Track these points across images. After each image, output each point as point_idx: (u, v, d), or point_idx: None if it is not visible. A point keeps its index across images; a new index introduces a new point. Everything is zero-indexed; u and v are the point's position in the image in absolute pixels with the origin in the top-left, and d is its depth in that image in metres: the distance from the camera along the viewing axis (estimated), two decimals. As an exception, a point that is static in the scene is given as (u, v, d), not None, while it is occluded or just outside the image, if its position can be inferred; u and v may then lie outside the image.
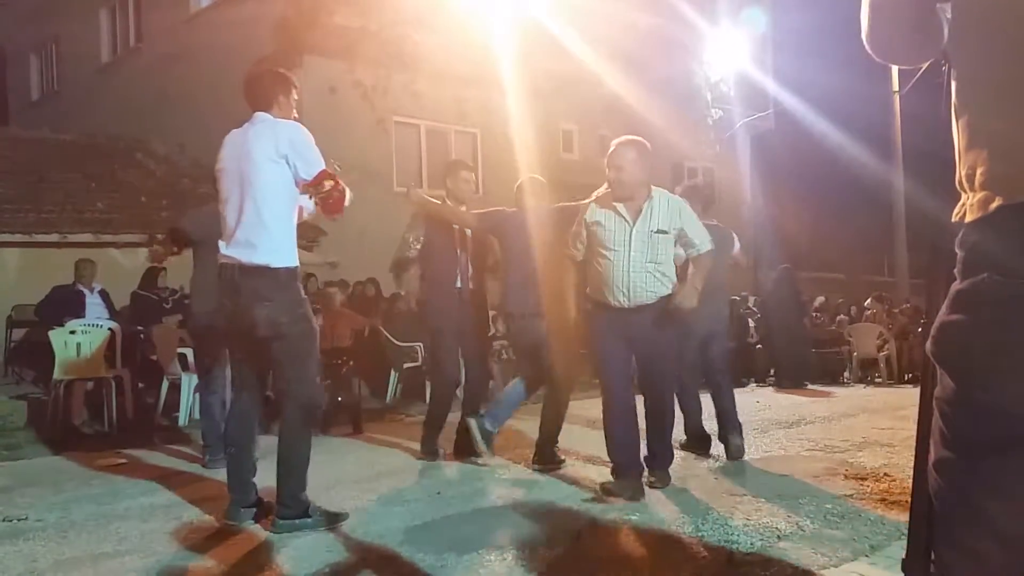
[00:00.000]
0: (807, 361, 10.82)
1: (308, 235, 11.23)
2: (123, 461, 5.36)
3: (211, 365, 5.01)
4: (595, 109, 13.83)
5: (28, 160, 11.67)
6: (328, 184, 3.40)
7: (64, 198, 10.66)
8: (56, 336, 6.47)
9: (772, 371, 11.36)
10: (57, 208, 10.30)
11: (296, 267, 3.52)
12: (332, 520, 3.54)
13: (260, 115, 3.57)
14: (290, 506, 3.45)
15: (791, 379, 10.24)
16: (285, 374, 3.51)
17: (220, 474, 4.80)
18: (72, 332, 6.63)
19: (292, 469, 3.48)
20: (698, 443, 5.30)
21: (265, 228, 3.42)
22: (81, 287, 7.61)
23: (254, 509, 3.61)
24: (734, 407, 5.33)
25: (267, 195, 3.42)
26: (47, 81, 18.28)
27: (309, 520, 3.47)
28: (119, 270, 9.44)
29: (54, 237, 9.73)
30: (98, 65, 15.95)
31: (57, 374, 6.32)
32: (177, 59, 12.97)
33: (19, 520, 3.83)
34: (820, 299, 13.57)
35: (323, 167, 3.44)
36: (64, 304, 7.39)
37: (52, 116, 15.91)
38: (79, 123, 14.52)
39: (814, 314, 12.73)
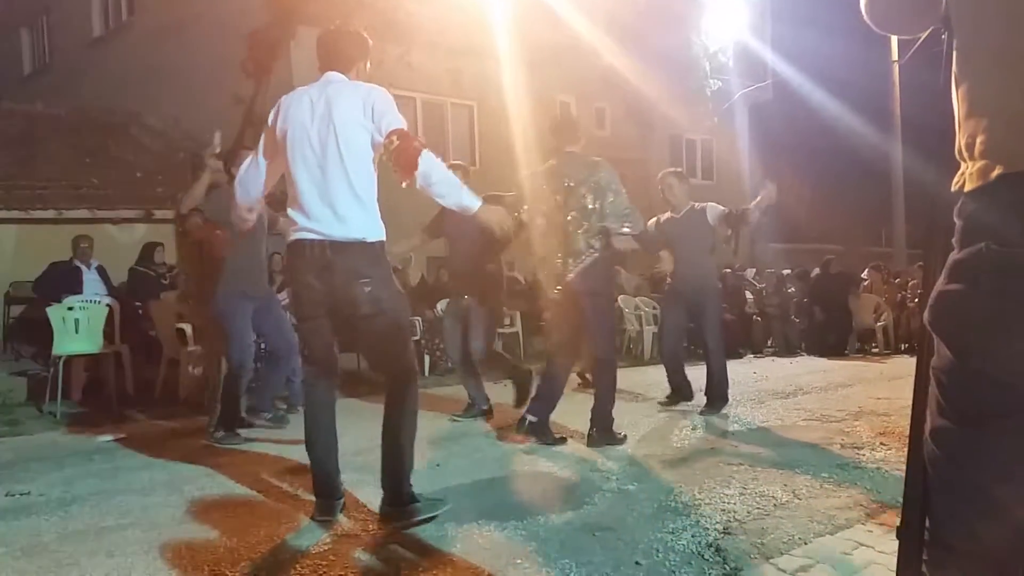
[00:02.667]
0: (846, 335, 11.59)
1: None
2: (123, 436, 5.39)
3: (241, 344, 5.08)
4: (592, 80, 13.73)
5: (21, 135, 11.58)
6: (396, 141, 3.06)
7: (59, 173, 10.60)
8: (54, 313, 6.47)
9: (769, 342, 11.46)
10: (52, 184, 10.25)
11: (385, 240, 3.25)
12: (436, 507, 3.23)
13: (334, 75, 3.26)
14: (398, 493, 3.17)
15: (833, 349, 11.11)
16: (387, 352, 3.27)
17: (217, 448, 4.85)
18: (70, 308, 6.63)
19: (399, 454, 3.19)
20: (676, 394, 6.05)
21: (358, 199, 3.12)
22: (78, 263, 7.60)
23: (342, 501, 3.35)
24: (723, 369, 5.86)
25: (357, 163, 3.11)
26: (39, 55, 18.10)
27: (418, 504, 3.18)
28: (116, 246, 9.43)
29: (50, 213, 9.70)
30: (90, 38, 15.77)
31: (56, 350, 6.33)
32: (170, 31, 12.82)
33: (22, 495, 3.85)
34: (787, 271, 13.59)
35: (400, 126, 3.11)
36: (62, 280, 7.38)
37: (44, 90, 15.76)
38: (72, 97, 14.38)
39: (787, 287, 12.79)
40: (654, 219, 5.97)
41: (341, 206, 3.11)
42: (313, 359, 3.37)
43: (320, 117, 3.13)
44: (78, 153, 11.46)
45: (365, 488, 3.78)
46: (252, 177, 3.40)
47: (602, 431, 4.65)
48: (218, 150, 5.18)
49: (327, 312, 3.23)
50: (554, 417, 5.41)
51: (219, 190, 5.21)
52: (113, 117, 13.10)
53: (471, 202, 3.26)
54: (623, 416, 5.54)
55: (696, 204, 5.94)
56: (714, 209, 5.89)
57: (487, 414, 5.58)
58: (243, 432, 5.13)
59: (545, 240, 4.67)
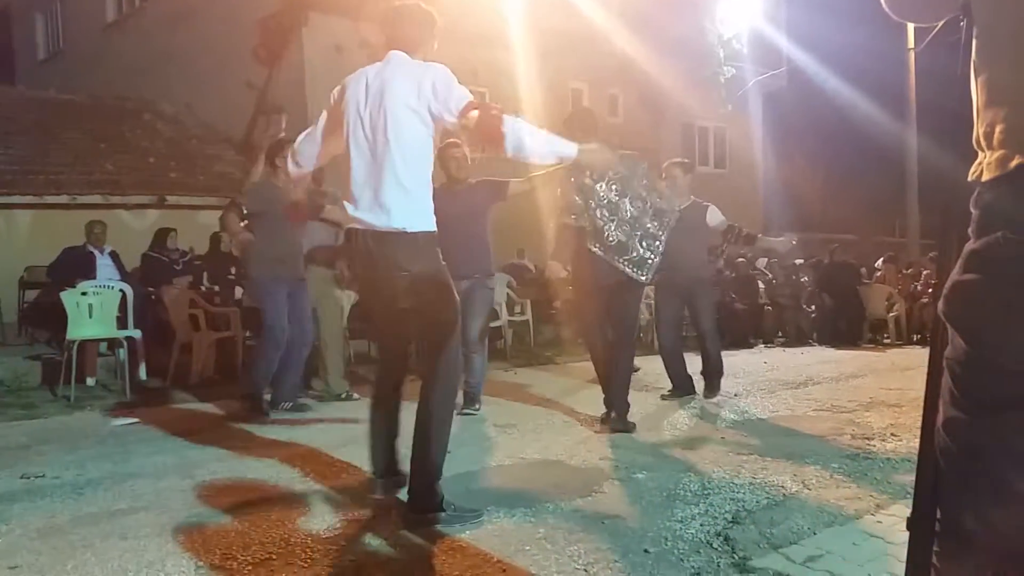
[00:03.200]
0: (860, 324, 11.67)
1: (315, 196, 11.23)
2: (136, 420, 5.43)
3: (274, 326, 5.34)
4: (605, 67, 13.65)
5: (35, 121, 11.65)
6: (474, 114, 2.90)
7: (73, 159, 10.66)
8: (68, 297, 6.52)
9: (779, 332, 11.44)
10: (66, 169, 10.31)
11: (435, 231, 3.09)
12: (467, 517, 3.04)
13: (397, 55, 3.10)
14: (425, 497, 3.00)
15: (842, 340, 11.11)
16: (428, 345, 3.15)
17: (229, 433, 4.89)
18: (84, 293, 6.67)
19: (429, 453, 3.01)
20: (678, 388, 6.02)
21: (402, 189, 2.97)
22: (92, 248, 7.64)
23: (400, 477, 3.26)
24: (718, 354, 6.01)
25: (405, 150, 2.97)
26: (52, 40, 18.16)
27: (443, 514, 2.99)
28: (129, 231, 9.48)
29: (63, 198, 9.76)
30: (103, 24, 15.81)
31: (70, 335, 6.38)
32: (182, 17, 12.84)
33: (36, 478, 3.90)
34: (799, 260, 13.55)
35: (469, 99, 2.96)
36: (75, 265, 7.43)
37: (58, 76, 15.82)
38: (85, 83, 14.44)
39: (799, 276, 12.77)
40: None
41: (384, 194, 2.98)
42: (380, 346, 3.43)
43: (373, 100, 3.00)
44: (92, 139, 11.51)
45: (375, 474, 3.81)
46: (306, 149, 3.39)
47: (620, 415, 4.72)
48: (282, 134, 5.36)
49: (375, 304, 3.27)
50: (564, 403, 5.43)
51: (259, 184, 5.43)
52: (127, 103, 13.16)
53: (569, 150, 3.08)
54: (632, 405, 5.54)
55: (699, 200, 5.97)
56: (715, 214, 5.97)
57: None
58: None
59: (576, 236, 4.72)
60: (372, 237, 3.01)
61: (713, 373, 5.96)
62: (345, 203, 3.10)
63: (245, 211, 5.47)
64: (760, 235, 6.00)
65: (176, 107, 13.21)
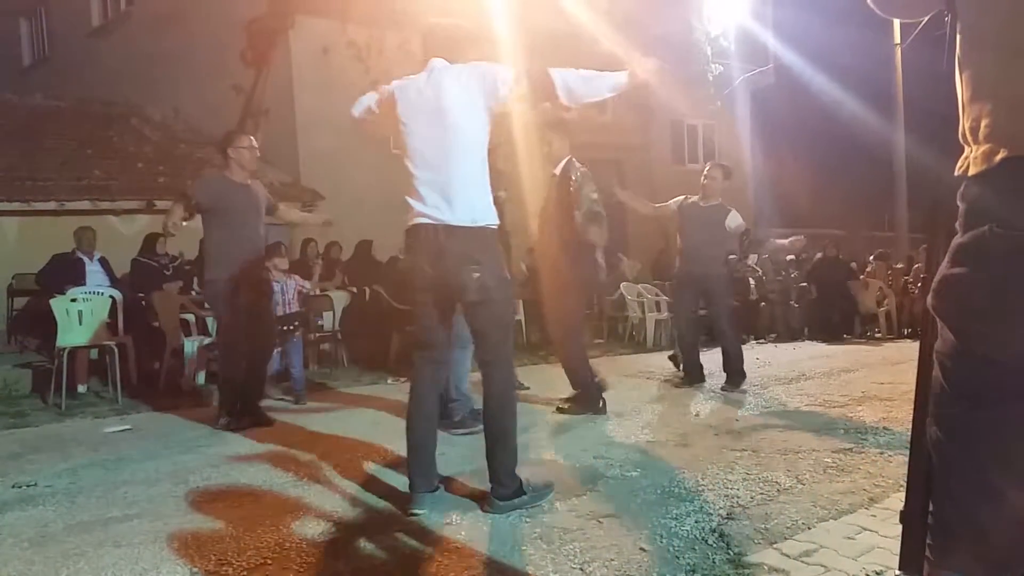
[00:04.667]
0: (851, 318, 11.78)
1: (304, 198, 11.21)
2: (128, 427, 5.41)
3: (231, 330, 5.08)
4: (593, 65, 13.62)
5: (22, 127, 11.56)
6: (523, 81, 3.13)
7: (60, 165, 10.59)
8: (58, 304, 6.48)
9: (771, 329, 11.49)
10: (54, 175, 10.24)
11: (498, 225, 3.25)
12: (545, 493, 3.27)
13: (439, 62, 3.27)
14: (506, 484, 3.15)
15: (834, 334, 11.22)
16: (491, 339, 3.24)
17: (222, 438, 4.87)
18: (73, 300, 6.64)
19: (505, 442, 3.18)
20: (690, 376, 6.30)
21: (469, 185, 3.16)
22: (81, 255, 7.60)
23: (438, 491, 3.31)
24: (739, 350, 6.22)
25: (469, 149, 3.17)
26: (38, 46, 18.06)
27: (526, 497, 3.17)
28: (118, 237, 9.43)
29: (52, 205, 9.69)
30: (89, 29, 15.73)
31: (60, 342, 6.35)
32: (168, 21, 12.78)
33: (28, 486, 3.87)
34: (790, 256, 13.58)
35: (512, 72, 3.15)
36: (65, 272, 7.39)
37: (44, 81, 15.73)
38: (72, 88, 14.36)
39: (789, 272, 12.84)
40: (681, 197, 6.37)
41: (453, 191, 3.14)
42: (421, 342, 3.36)
43: (430, 106, 3.18)
44: (79, 145, 11.44)
45: (369, 477, 3.81)
46: (359, 105, 3.55)
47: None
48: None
49: (436, 296, 3.25)
50: (557, 403, 5.44)
51: (209, 176, 5.27)
52: (114, 108, 13.08)
53: (619, 80, 3.26)
54: (626, 403, 5.56)
55: (724, 203, 6.25)
56: (735, 218, 6.20)
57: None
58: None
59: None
60: (444, 231, 3.13)
61: (734, 370, 6.14)
62: (410, 201, 3.22)
63: (194, 203, 5.20)
64: (770, 239, 6.20)
65: (163, 112, 13.14)
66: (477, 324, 3.26)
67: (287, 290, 6.20)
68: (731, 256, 6.34)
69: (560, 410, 5.25)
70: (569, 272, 5.10)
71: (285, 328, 6.11)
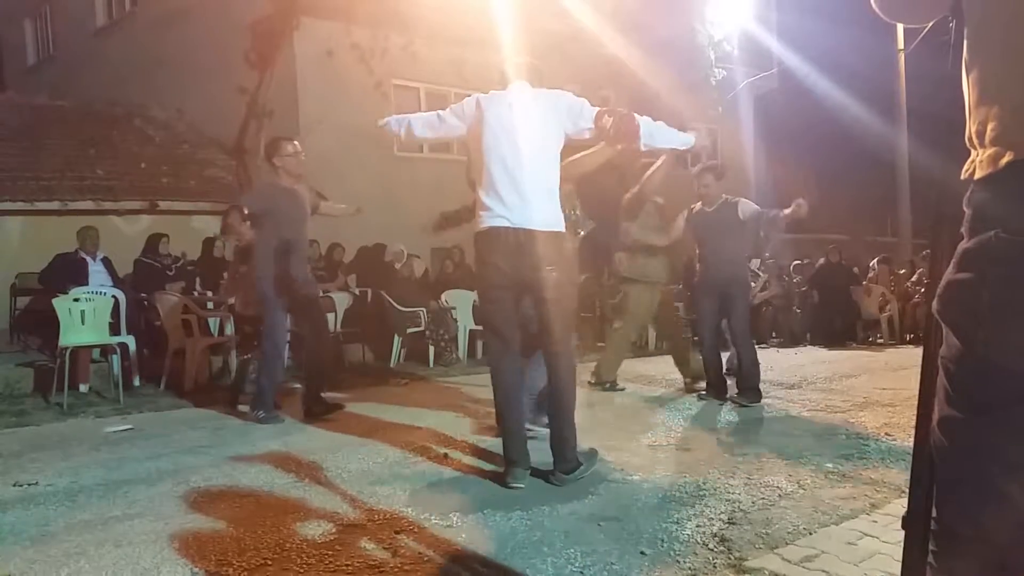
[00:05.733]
0: (853, 323, 11.77)
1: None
2: (130, 427, 5.41)
3: (277, 329, 5.41)
4: (596, 69, 13.65)
5: (26, 126, 11.59)
6: (607, 120, 3.51)
7: (64, 165, 10.62)
8: (60, 304, 6.49)
9: (773, 333, 11.48)
10: (57, 175, 10.26)
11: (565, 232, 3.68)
12: (594, 459, 3.74)
13: (523, 84, 3.69)
14: (570, 459, 3.56)
15: (836, 339, 11.19)
16: (557, 331, 3.60)
17: (223, 439, 4.87)
18: (76, 300, 6.64)
19: (568, 423, 3.60)
20: (719, 387, 6.01)
21: (551, 195, 3.55)
22: (84, 255, 7.61)
23: (529, 471, 3.65)
24: (752, 360, 5.88)
25: (550, 164, 3.56)
26: (42, 46, 18.09)
27: (583, 467, 3.60)
28: (121, 237, 9.45)
29: (55, 205, 9.72)
30: (93, 29, 15.76)
31: (62, 341, 6.35)
32: (172, 21, 12.81)
33: (30, 485, 3.88)
34: (796, 261, 13.57)
35: (596, 109, 3.57)
36: (67, 272, 7.40)
37: (49, 81, 15.77)
38: (76, 88, 14.39)
39: (792, 277, 12.83)
40: (686, 211, 6.14)
41: (535, 199, 3.49)
42: (499, 336, 3.67)
43: (519, 120, 3.55)
44: (83, 145, 11.47)
45: (370, 478, 3.81)
46: (418, 130, 3.86)
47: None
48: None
49: (512, 293, 3.60)
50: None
51: (259, 186, 5.41)
52: (117, 108, 13.11)
53: (688, 139, 3.85)
54: (627, 406, 5.55)
55: (729, 197, 6.01)
56: (747, 205, 5.94)
57: None
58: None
59: None
60: (524, 234, 3.48)
61: (748, 386, 5.76)
62: (488, 203, 3.54)
63: (247, 211, 5.38)
64: (780, 213, 5.93)
65: (167, 112, 13.16)
66: (547, 318, 3.58)
67: None
68: (757, 248, 6.26)
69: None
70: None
71: (261, 329, 5.95)
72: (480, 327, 7.90)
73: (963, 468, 1.19)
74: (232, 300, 6.32)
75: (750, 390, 5.74)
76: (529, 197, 3.49)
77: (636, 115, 3.56)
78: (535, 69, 3.79)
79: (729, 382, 6.02)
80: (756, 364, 5.84)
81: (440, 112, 3.81)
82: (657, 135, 3.66)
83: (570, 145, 3.75)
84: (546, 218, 3.52)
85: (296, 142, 5.52)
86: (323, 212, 5.80)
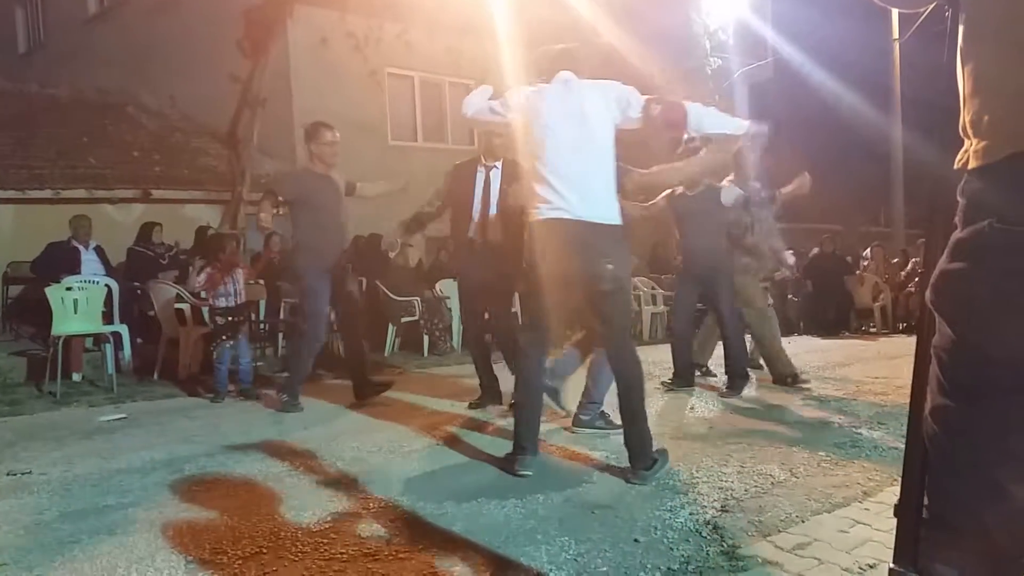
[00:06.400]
0: (847, 313, 11.79)
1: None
2: (123, 416, 5.40)
3: (316, 316, 5.38)
4: (592, 58, 13.63)
5: (17, 115, 11.52)
6: (655, 108, 3.47)
7: (55, 154, 10.56)
8: (53, 293, 6.47)
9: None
10: (49, 164, 10.21)
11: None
12: (666, 458, 3.64)
13: (568, 74, 3.62)
14: (649, 456, 3.51)
15: (829, 328, 11.21)
16: (616, 326, 3.58)
17: (216, 427, 4.86)
18: (69, 289, 6.62)
19: (643, 419, 3.55)
20: (680, 378, 5.95)
21: (608, 187, 3.51)
22: (76, 243, 7.58)
23: (538, 455, 3.69)
24: (741, 349, 5.88)
25: (606, 155, 3.51)
26: (33, 33, 17.96)
27: (658, 463, 3.53)
28: (114, 226, 9.41)
29: (47, 193, 9.66)
30: (85, 16, 15.64)
31: (55, 330, 6.33)
32: (165, 10, 12.71)
33: (23, 474, 3.87)
34: (789, 251, 13.57)
35: (646, 97, 3.51)
36: (60, 261, 7.37)
37: (40, 69, 15.65)
38: (67, 76, 14.28)
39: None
40: (667, 192, 5.84)
41: (593, 191, 3.47)
42: (536, 327, 3.67)
43: (573, 112, 3.50)
44: (75, 133, 11.40)
45: (365, 467, 3.81)
46: (480, 112, 3.81)
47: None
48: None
49: (564, 285, 3.50)
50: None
51: (294, 171, 5.38)
52: (109, 97, 13.03)
53: (742, 124, 3.62)
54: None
55: (711, 183, 5.75)
56: (730, 192, 5.72)
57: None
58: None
59: None
60: (585, 227, 3.43)
61: (736, 373, 5.73)
62: (546, 195, 3.48)
63: (280, 199, 5.36)
64: (778, 192, 5.83)
65: (159, 100, 13.09)
66: (605, 312, 3.56)
67: (236, 280, 6.04)
68: (740, 231, 6.03)
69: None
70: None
71: (233, 320, 5.97)
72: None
73: (955, 456, 1.20)
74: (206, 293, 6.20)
75: (738, 376, 5.73)
76: (586, 189, 3.46)
77: (688, 104, 3.50)
78: (571, 55, 3.71)
79: (753, 375, 6.05)
80: (744, 354, 5.89)
81: (491, 103, 3.79)
82: (707, 122, 3.57)
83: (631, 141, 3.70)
84: (604, 210, 3.48)
85: (335, 132, 5.47)
86: (360, 194, 5.73)
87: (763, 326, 6.24)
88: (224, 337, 5.90)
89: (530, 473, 3.54)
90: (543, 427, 4.57)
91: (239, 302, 6.04)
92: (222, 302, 5.93)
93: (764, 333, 6.25)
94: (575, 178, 3.46)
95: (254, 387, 6.04)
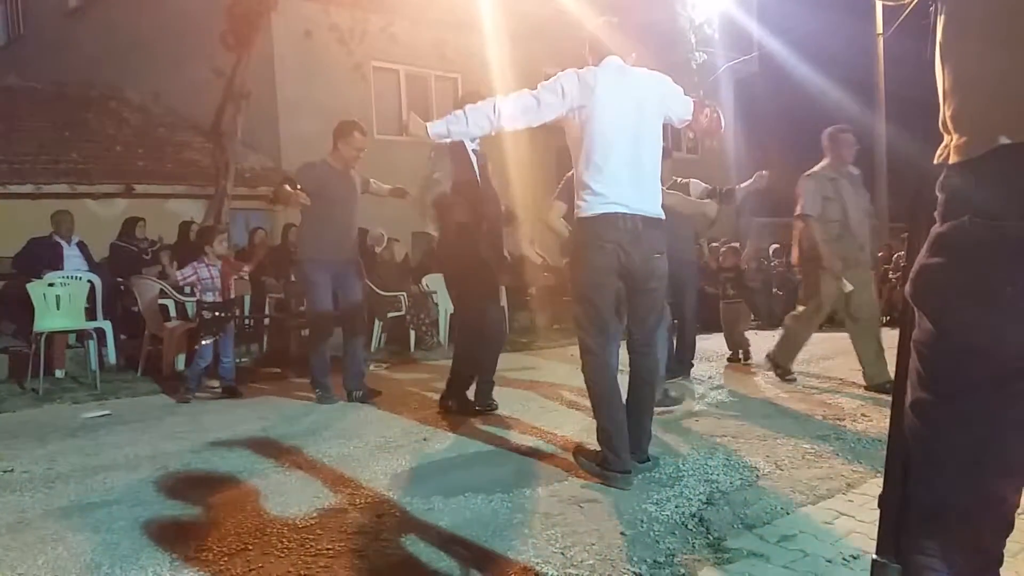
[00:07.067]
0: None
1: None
2: (107, 412, 5.37)
3: (320, 310, 5.35)
4: (578, 52, 13.60)
5: (-3, 108, 11.38)
6: (705, 114, 3.49)
7: (37, 148, 10.44)
8: (35, 289, 6.40)
9: (752, 316, 11.56)
10: (30, 158, 10.09)
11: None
12: (658, 460, 3.62)
13: (617, 60, 3.48)
14: (646, 450, 3.50)
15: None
16: (651, 322, 3.51)
17: (201, 424, 4.84)
18: (51, 285, 6.56)
19: (651, 412, 3.55)
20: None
21: (658, 180, 3.44)
22: (59, 239, 7.50)
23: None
24: (692, 342, 5.92)
25: (657, 147, 3.43)
26: (13, 26, 17.74)
27: (651, 462, 3.52)
28: (96, 221, 9.32)
29: (28, 188, 9.56)
30: (66, 9, 15.46)
31: (38, 327, 6.27)
32: (147, 3, 12.59)
33: (5, 472, 3.84)
34: (775, 245, 13.61)
35: (691, 102, 3.51)
36: (42, 256, 7.29)
37: (20, 62, 15.45)
38: (48, 70, 14.12)
39: (771, 261, 12.92)
40: None
41: (650, 185, 3.37)
42: (603, 328, 3.43)
43: (631, 102, 3.35)
44: (56, 127, 11.28)
45: (351, 463, 3.80)
46: (526, 113, 3.35)
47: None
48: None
49: (619, 281, 3.40)
50: (539, 389, 5.44)
51: (313, 162, 5.34)
52: (91, 91, 12.89)
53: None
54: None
55: (679, 179, 5.80)
56: (697, 185, 5.77)
57: None
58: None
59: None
60: (642, 222, 3.32)
61: (683, 360, 5.83)
62: (601, 189, 3.30)
63: (299, 186, 5.30)
64: (737, 187, 5.83)
65: (142, 94, 12.96)
66: (646, 308, 3.48)
67: (219, 276, 5.90)
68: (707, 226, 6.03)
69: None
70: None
71: (218, 316, 5.85)
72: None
73: (935, 449, 1.21)
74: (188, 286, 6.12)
75: (683, 363, 5.84)
76: (645, 182, 3.35)
77: (719, 110, 3.55)
78: (608, 31, 3.55)
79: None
80: (693, 346, 6.00)
81: (533, 93, 3.37)
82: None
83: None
84: (658, 204, 3.40)
85: (366, 136, 5.47)
86: (372, 191, 5.72)
87: (800, 324, 6.11)
88: (211, 332, 5.82)
89: (632, 484, 3.29)
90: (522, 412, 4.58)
91: (227, 298, 5.97)
92: (208, 297, 5.85)
93: (795, 330, 6.12)
94: (632, 171, 3.32)
95: (237, 384, 5.95)
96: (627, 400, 3.46)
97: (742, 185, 5.79)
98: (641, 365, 3.53)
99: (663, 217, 3.42)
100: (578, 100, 3.34)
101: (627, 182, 3.31)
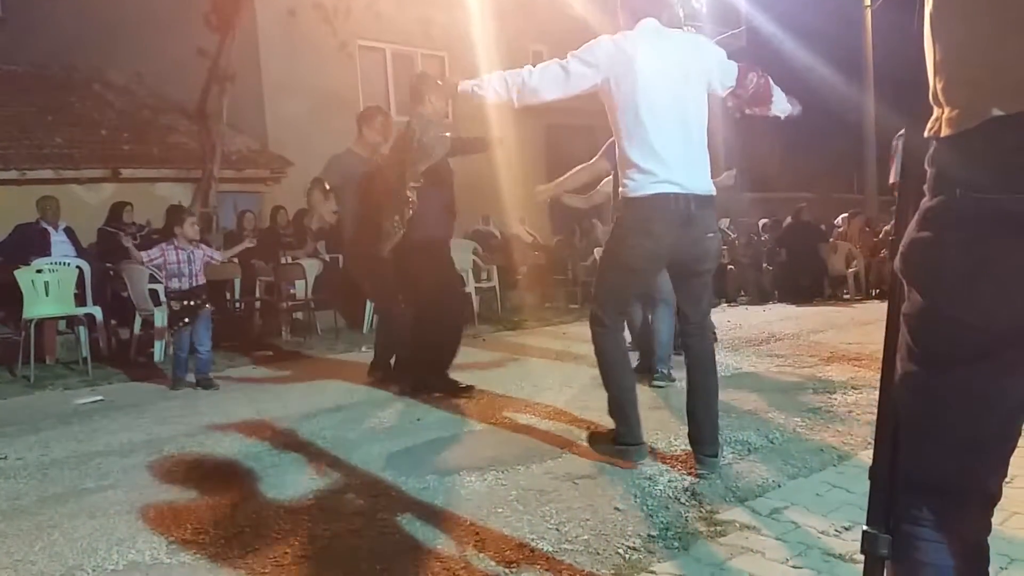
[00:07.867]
0: (821, 280, 11.82)
1: (273, 164, 11.03)
2: (100, 398, 5.35)
3: (383, 298, 5.33)
4: (564, 30, 13.50)
5: (-23, 93, 11.22)
6: (752, 78, 3.21)
7: (19, 132, 10.31)
8: (23, 276, 6.36)
9: (742, 291, 11.63)
10: (13, 143, 9.97)
11: None
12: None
13: (654, 23, 3.13)
14: (717, 440, 3.23)
15: (803, 296, 11.22)
16: (705, 304, 3.30)
17: (195, 408, 4.84)
18: (39, 271, 6.52)
19: (717, 399, 3.26)
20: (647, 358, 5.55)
21: (707, 156, 3.17)
22: (45, 225, 7.44)
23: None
24: (666, 336, 5.50)
25: (704, 121, 3.15)
26: (-9, 8, 17.43)
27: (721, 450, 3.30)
28: (83, 206, 9.24)
29: (12, 174, 9.45)
30: (46, -10, 15.20)
31: (27, 314, 6.24)
32: (129, -17, 12.39)
33: (-1, 459, 3.84)
34: (764, 221, 13.65)
35: (736, 67, 3.21)
36: (29, 243, 7.24)
37: (0, 45, 15.21)
38: (28, 52, 13.89)
39: (760, 236, 12.94)
40: (609, 177, 5.46)
41: (700, 161, 3.13)
42: (623, 309, 3.39)
43: (672, 68, 3.07)
44: (39, 112, 11.13)
45: (346, 444, 3.82)
46: (554, 83, 3.14)
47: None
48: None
49: (664, 264, 3.23)
50: (532, 368, 5.46)
51: (341, 154, 5.25)
52: (74, 73, 12.72)
53: (792, 107, 3.44)
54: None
55: None
56: None
57: None
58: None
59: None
60: (695, 201, 3.07)
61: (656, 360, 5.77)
62: (649, 166, 3.03)
63: (328, 187, 5.21)
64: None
65: (126, 76, 12.79)
66: (699, 289, 3.27)
67: (193, 260, 5.55)
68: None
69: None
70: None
71: (190, 303, 5.55)
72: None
73: (924, 421, 1.22)
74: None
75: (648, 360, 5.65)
76: (695, 158, 3.10)
77: (767, 76, 3.23)
78: (653, 10, 3.18)
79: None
80: (670, 332, 5.71)
81: (561, 63, 3.13)
82: (779, 104, 3.34)
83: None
84: (708, 182, 3.15)
85: (388, 120, 5.40)
86: (471, 150, 5.60)
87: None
88: (181, 322, 5.52)
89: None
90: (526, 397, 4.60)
91: (195, 284, 5.57)
92: (174, 284, 5.51)
93: None
94: (681, 146, 3.06)
95: (213, 378, 5.64)
96: (691, 389, 3.23)
97: (715, 181, 5.72)
98: (701, 349, 3.27)
99: (715, 194, 3.17)
100: (614, 70, 3.06)
101: (678, 159, 3.04)
